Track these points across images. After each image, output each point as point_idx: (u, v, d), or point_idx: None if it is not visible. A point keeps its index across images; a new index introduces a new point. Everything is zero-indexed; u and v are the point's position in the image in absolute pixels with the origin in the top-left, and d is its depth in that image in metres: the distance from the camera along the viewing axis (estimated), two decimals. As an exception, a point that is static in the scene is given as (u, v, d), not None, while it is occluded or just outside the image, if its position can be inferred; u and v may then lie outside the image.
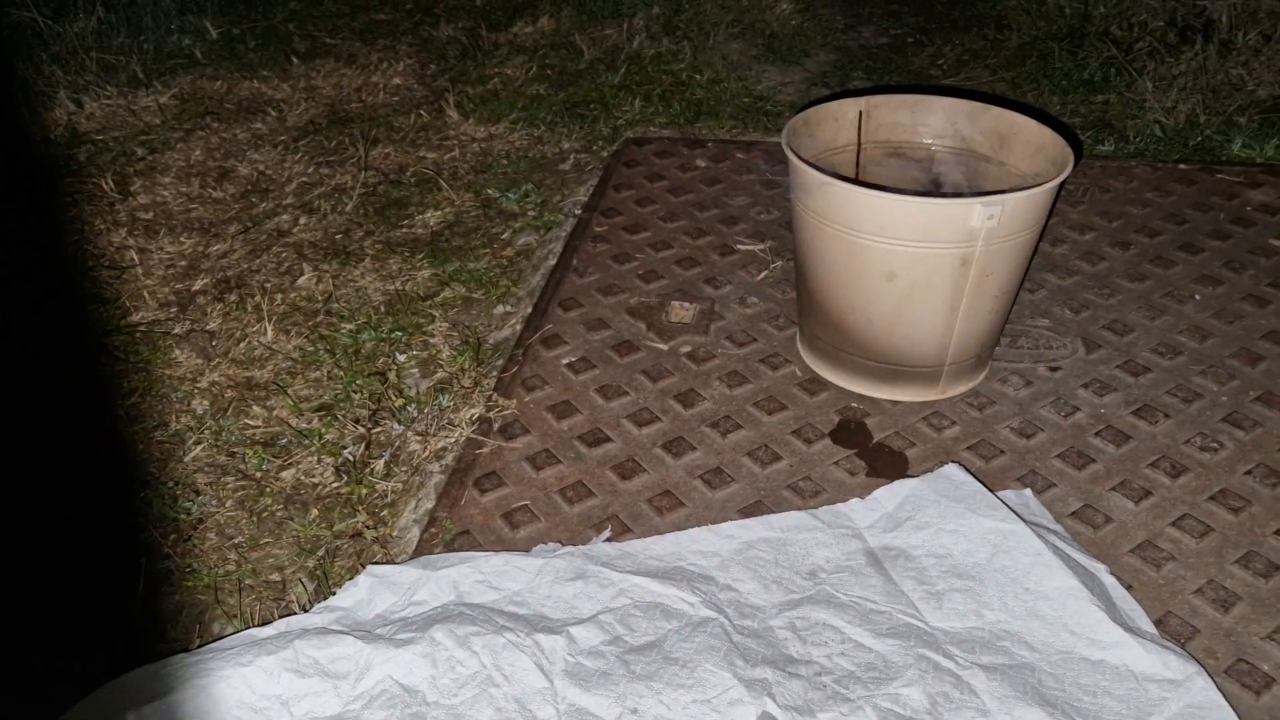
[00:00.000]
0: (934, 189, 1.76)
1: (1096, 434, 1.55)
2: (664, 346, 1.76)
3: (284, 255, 2.06)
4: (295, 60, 2.91)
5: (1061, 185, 1.47)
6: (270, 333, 1.82)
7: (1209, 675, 1.17)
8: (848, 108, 1.71)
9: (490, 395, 1.65)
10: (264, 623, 1.28)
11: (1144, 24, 2.78)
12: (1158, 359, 1.69)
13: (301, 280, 1.98)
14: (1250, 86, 2.48)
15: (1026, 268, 1.57)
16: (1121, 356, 1.70)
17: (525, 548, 1.38)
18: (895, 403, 1.61)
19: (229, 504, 1.50)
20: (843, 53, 2.90)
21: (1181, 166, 2.23)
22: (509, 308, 1.90)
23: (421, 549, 1.39)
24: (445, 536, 1.41)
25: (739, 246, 2.02)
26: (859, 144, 1.74)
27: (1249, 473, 1.47)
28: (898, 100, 1.73)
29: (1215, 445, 1.52)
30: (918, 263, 1.46)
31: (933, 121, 1.73)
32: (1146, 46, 2.67)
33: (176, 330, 1.85)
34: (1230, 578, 1.31)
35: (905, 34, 3.00)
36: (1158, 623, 1.25)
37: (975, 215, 1.40)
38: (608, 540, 1.39)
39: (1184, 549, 1.36)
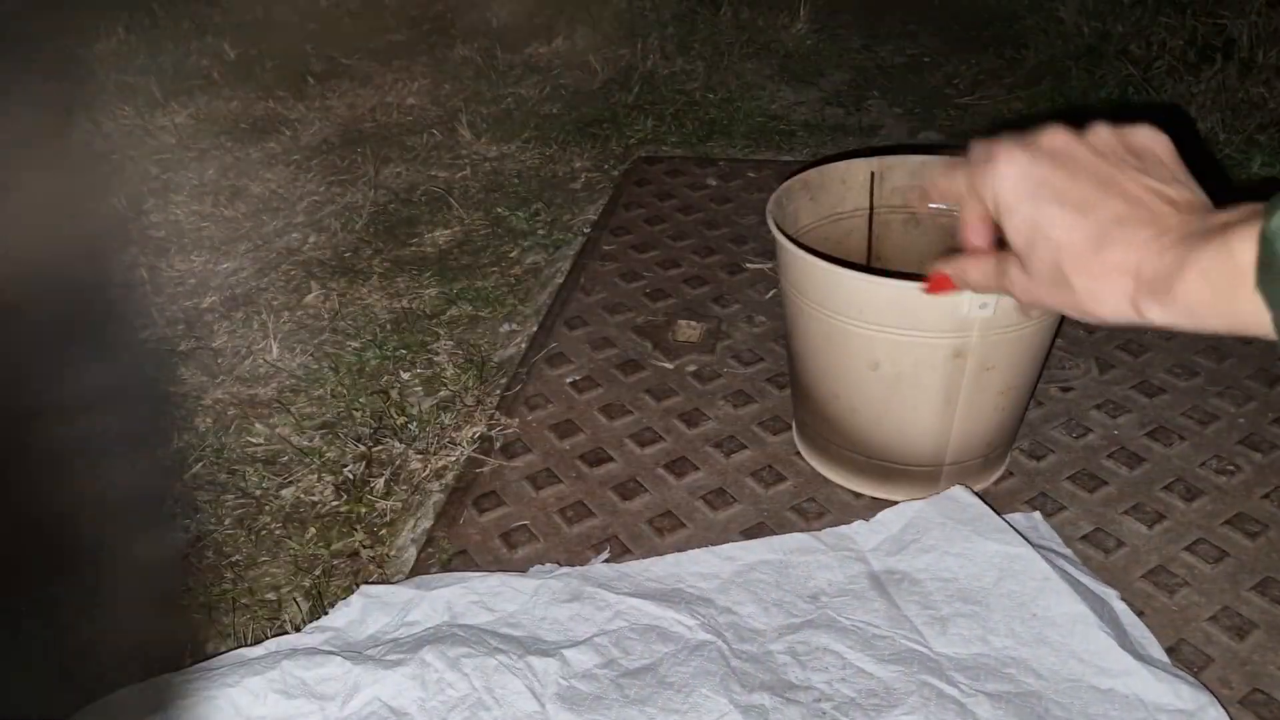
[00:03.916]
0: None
1: (1109, 456, 1.51)
2: (669, 365, 1.74)
3: (292, 273, 2.06)
4: (311, 81, 2.93)
5: None
6: (275, 350, 1.82)
7: (1223, 706, 1.13)
8: (857, 169, 1.54)
9: (493, 414, 1.64)
10: (256, 642, 1.26)
11: (1163, 43, 2.75)
12: (1173, 380, 1.65)
13: (308, 298, 1.97)
14: (1271, 105, 2.44)
15: (1043, 361, 1.40)
16: (1136, 377, 1.66)
17: (523, 568, 1.35)
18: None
19: (227, 522, 1.49)
20: (858, 72, 2.89)
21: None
22: (515, 326, 1.88)
23: (418, 569, 1.38)
24: (442, 556, 1.39)
25: (748, 265, 2.00)
26: (871, 208, 1.57)
27: (1266, 496, 1.43)
28: (916, 161, 1.54)
29: (1232, 468, 1.48)
30: (903, 352, 1.31)
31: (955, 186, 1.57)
32: (1165, 65, 2.64)
33: (182, 347, 1.85)
34: (1246, 604, 1.27)
35: (921, 54, 2.99)
36: (1170, 651, 1.21)
37: (965, 303, 1.23)
38: (606, 561, 1.36)
39: (1198, 575, 1.32)
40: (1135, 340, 1.74)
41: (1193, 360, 1.69)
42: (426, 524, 1.46)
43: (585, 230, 2.16)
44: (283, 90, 2.88)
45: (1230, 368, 1.67)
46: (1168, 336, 1.74)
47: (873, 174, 1.56)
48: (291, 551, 1.44)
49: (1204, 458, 1.50)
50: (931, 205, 1.56)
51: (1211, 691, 1.15)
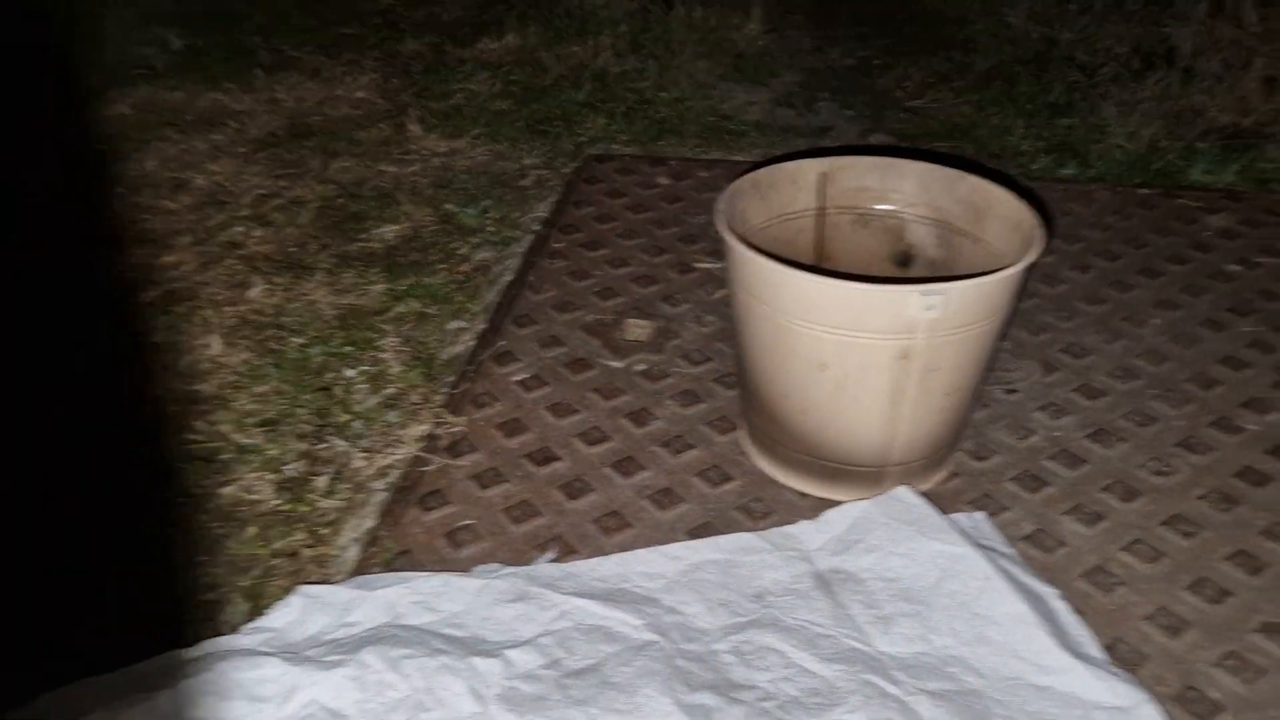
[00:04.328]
0: (904, 262, 1.61)
1: (1051, 457, 1.53)
2: (618, 364, 1.73)
3: (236, 268, 2.02)
4: (259, 73, 2.88)
5: (1030, 268, 1.32)
6: (217, 346, 1.78)
7: (1158, 702, 1.15)
8: (807, 169, 1.55)
9: (439, 412, 1.62)
10: (192, 643, 1.23)
11: (1108, 50, 2.80)
12: (1114, 382, 1.68)
13: (252, 293, 1.94)
14: (1211, 113, 2.49)
15: (988, 360, 1.41)
16: (1078, 379, 1.69)
17: (467, 568, 1.34)
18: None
19: (164, 520, 1.46)
20: (809, 74, 2.90)
21: (1142, 191, 2.23)
22: (463, 324, 1.87)
23: (361, 569, 1.36)
24: (386, 556, 1.37)
25: (697, 265, 2.00)
26: (821, 209, 1.58)
27: (1202, 497, 1.46)
28: (866, 162, 1.57)
29: (1169, 469, 1.50)
30: (849, 353, 1.32)
31: (905, 187, 1.57)
32: (1110, 72, 2.68)
33: (121, 343, 1.80)
34: (1181, 603, 1.30)
35: (871, 56, 3.00)
36: (1108, 649, 1.23)
37: (912, 305, 1.25)
38: (552, 561, 1.35)
39: (1135, 574, 1.34)
40: (1078, 343, 1.77)
41: (1134, 363, 1.72)
42: (370, 523, 1.44)
43: (535, 228, 2.14)
44: (230, 82, 2.82)
45: (1170, 371, 1.70)
46: (1109, 340, 1.77)
47: (823, 175, 1.57)
48: (230, 551, 1.41)
49: (1143, 459, 1.52)
50: (878, 206, 1.58)
51: (1147, 689, 1.16)
